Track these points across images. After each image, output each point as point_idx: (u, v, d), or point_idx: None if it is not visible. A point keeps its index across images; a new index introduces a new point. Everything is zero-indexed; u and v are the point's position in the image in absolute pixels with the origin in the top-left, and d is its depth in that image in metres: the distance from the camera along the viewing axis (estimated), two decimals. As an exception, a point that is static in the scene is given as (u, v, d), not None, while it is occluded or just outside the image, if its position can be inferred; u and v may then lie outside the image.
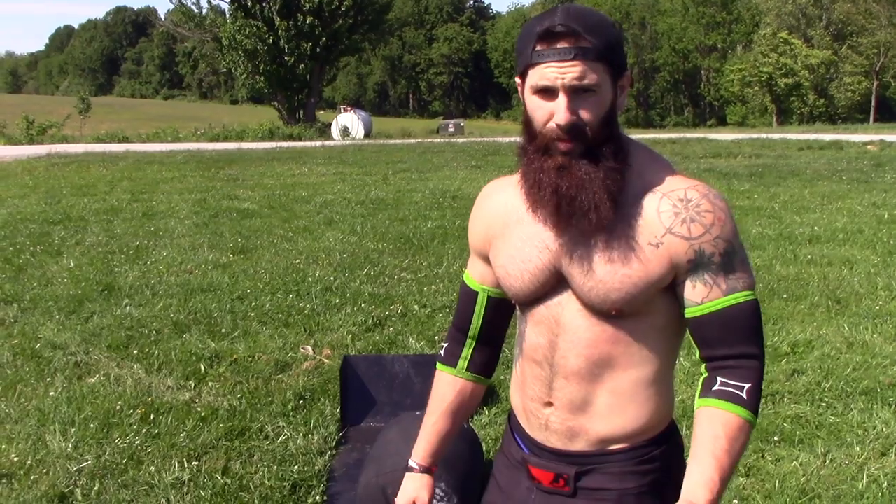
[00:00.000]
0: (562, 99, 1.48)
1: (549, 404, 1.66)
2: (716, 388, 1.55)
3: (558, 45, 1.47)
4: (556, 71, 1.47)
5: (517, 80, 1.60)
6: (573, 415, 1.63)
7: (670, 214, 1.53)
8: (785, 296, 6.49)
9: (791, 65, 53.93)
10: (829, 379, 4.75)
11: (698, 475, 1.49)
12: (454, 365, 1.90)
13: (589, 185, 1.50)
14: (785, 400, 4.50)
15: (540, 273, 1.61)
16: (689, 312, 1.56)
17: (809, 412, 4.33)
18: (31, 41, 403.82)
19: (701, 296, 1.54)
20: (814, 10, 59.28)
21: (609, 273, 1.54)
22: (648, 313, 1.58)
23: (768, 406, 4.42)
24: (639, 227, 1.54)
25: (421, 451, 1.91)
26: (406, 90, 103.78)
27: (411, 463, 1.91)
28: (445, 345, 1.94)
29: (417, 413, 3.80)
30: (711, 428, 1.52)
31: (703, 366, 1.60)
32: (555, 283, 1.62)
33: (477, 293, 1.84)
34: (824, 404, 4.44)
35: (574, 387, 1.62)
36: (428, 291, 6.76)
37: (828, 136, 24.54)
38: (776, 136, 25.73)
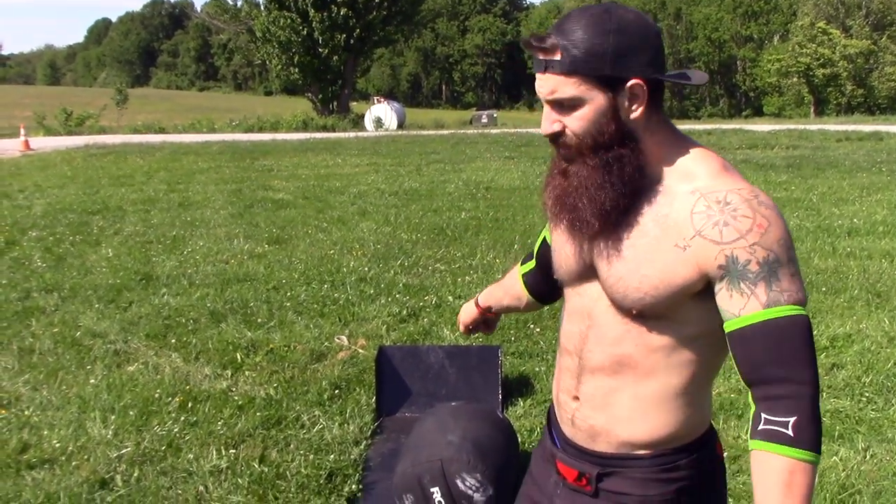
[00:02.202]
0: (545, 110, 1.51)
1: (576, 398, 1.64)
2: (761, 426, 1.40)
3: (538, 56, 1.48)
4: (537, 83, 1.50)
5: None
6: (595, 413, 1.60)
7: (703, 216, 1.44)
8: (824, 289, 6.40)
9: (829, 55, 53.09)
10: (869, 373, 4.69)
11: None
12: (521, 264, 2.07)
13: (580, 195, 1.50)
14: (824, 395, 4.45)
15: (574, 260, 1.61)
16: (728, 326, 1.44)
17: (849, 407, 4.28)
18: (69, 34, 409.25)
19: (738, 307, 1.41)
20: (852, 0, 58.26)
21: (629, 272, 1.49)
22: (677, 320, 1.50)
23: (807, 400, 4.36)
24: (669, 227, 1.47)
25: (482, 295, 2.18)
26: (439, 81, 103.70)
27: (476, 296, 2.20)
28: (530, 252, 2.07)
29: (453, 404, 3.81)
30: (762, 477, 1.40)
31: (750, 394, 1.46)
32: (588, 274, 1.60)
33: (542, 232, 1.96)
34: (865, 399, 4.38)
35: (598, 383, 1.59)
36: (462, 282, 6.76)
37: (867, 128, 24.16)
38: (814, 127, 25.37)
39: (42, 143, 22.72)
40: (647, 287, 1.47)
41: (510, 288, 2.09)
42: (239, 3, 39.62)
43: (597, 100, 1.46)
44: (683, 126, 27.34)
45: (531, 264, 2.01)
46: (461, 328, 2.22)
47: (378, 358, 4.41)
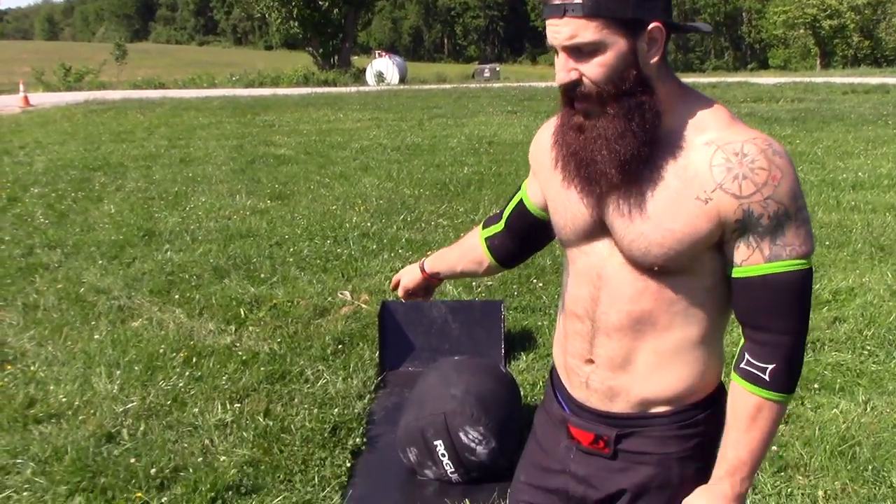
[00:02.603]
0: (560, 58, 1.43)
1: (590, 362, 1.61)
2: (742, 365, 1.49)
3: (552, 1, 1.41)
4: (551, 30, 1.42)
5: None
6: (614, 373, 1.58)
7: (723, 169, 1.42)
8: (827, 243, 6.39)
9: (836, 6, 52.39)
10: (871, 327, 4.69)
11: (721, 457, 1.52)
12: (483, 228, 2.01)
13: (599, 148, 1.45)
14: (826, 348, 4.46)
15: (581, 220, 1.56)
16: (732, 273, 1.48)
17: (851, 360, 4.29)
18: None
19: (742, 258, 1.45)
20: (862, -51, 57.36)
21: (652, 227, 1.46)
22: (695, 272, 1.50)
23: (808, 354, 4.38)
24: (689, 180, 1.44)
25: (429, 260, 2.12)
26: (441, 34, 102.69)
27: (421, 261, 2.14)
28: (491, 215, 2.03)
29: (456, 358, 3.83)
30: (733, 407, 1.51)
31: (741, 328, 1.53)
32: (598, 232, 1.56)
33: (519, 191, 1.92)
34: (866, 352, 4.40)
35: (615, 344, 1.56)
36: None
37: (874, 80, 23.94)
38: (819, 79, 25.15)
39: (42, 99, 22.60)
40: (672, 242, 1.45)
41: (468, 251, 2.03)
42: (238, -45, 39.08)
43: (618, 44, 1.40)
44: (688, 79, 27.08)
45: (497, 227, 1.95)
46: (401, 292, 2.14)
47: (381, 313, 4.42)
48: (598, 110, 1.45)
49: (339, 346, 4.58)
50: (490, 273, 2.06)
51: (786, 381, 1.47)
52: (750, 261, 1.44)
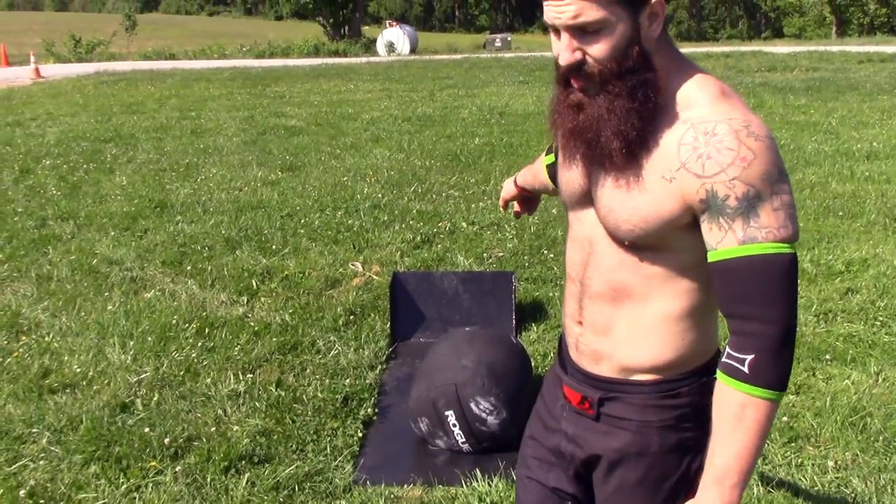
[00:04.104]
0: (563, 38, 1.40)
1: (580, 323, 1.64)
2: (723, 359, 1.42)
3: None
4: (553, 10, 1.39)
5: None
6: (597, 337, 1.61)
7: (689, 148, 1.38)
8: (840, 213, 6.36)
9: (853, -28, 51.66)
10: (884, 298, 4.68)
11: (708, 464, 1.44)
12: (546, 154, 2.09)
13: (602, 127, 1.42)
14: (838, 318, 4.45)
15: (575, 186, 1.59)
16: (709, 257, 1.41)
17: (863, 331, 4.28)
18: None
19: (716, 240, 1.39)
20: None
21: (619, 203, 1.47)
22: (671, 249, 1.48)
23: (820, 325, 4.37)
24: (657, 159, 1.43)
25: (520, 174, 2.22)
26: (452, 4, 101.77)
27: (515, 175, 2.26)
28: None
29: (467, 329, 3.84)
30: (717, 407, 1.43)
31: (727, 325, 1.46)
32: (588, 201, 1.58)
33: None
34: (878, 323, 4.38)
35: (598, 308, 1.59)
36: (476, 209, 6.74)
37: (890, 49, 23.61)
38: (835, 48, 24.84)
39: (53, 70, 22.59)
40: (637, 219, 1.45)
41: (538, 173, 2.12)
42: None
43: (621, 21, 1.37)
44: (701, 49, 26.92)
45: (552, 157, 2.01)
46: (501, 203, 2.30)
47: (392, 284, 4.43)
48: (598, 88, 1.42)
49: (351, 317, 4.60)
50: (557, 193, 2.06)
51: (770, 374, 1.37)
52: (724, 243, 1.37)
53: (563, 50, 1.41)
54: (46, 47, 29.50)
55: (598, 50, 1.39)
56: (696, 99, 1.43)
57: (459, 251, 5.66)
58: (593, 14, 1.36)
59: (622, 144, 1.42)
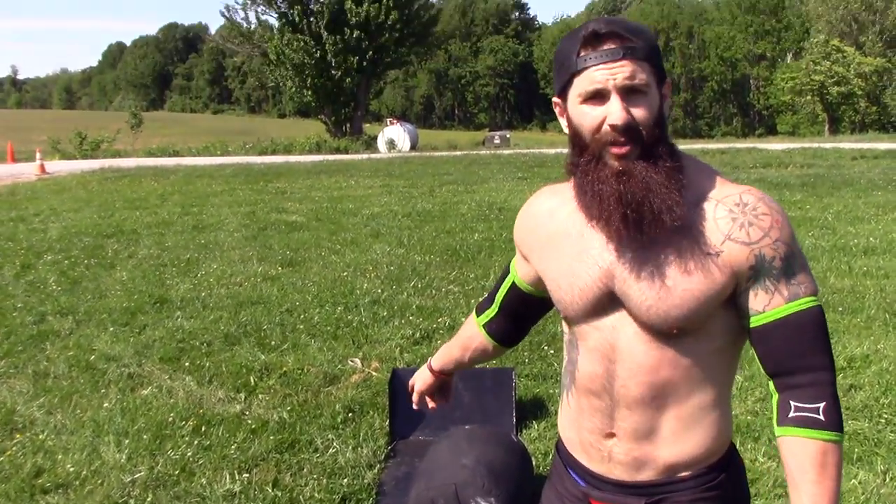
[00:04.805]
0: (615, 100, 1.44)
1: (611, 435, 1.59)
2: (792, 414, 1.47)
3: (605, 47, 1.44)
4: (606, 72, 1.43)
5: (555, 100, 1.57)
6: (639, 444, 1.56)
7: (727, 220, 1.47)
8: (840, 309, 6.35)
9: (843, 73, 52.93)
10: (888, 394, 4.63)
11: None
12: (478, 315, 2.02)
13: (655, 188, 1.44)
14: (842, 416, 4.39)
15: (590, 292, 1.54)
16: (753, 322, 1.48)
17: (868, 429, 4.23)
18: (84, 58, 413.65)
19: (763, 303, 1.47)
20: (866, 17, 58.14)
21: (669, 289, 1.46)
22: (707, 333, 1.51)
23: (825, 422, 4.32)
24: (696, 237, 1.47)
25: (435, 358, 2.10)
26: (452, 102, 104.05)
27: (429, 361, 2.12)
28: (482, 299, 2.04)
29: (467, 427, 3.79)
30: (797, 460, 1.46)
31: (771, 384, 1.52)
32: (607, 304, 1.54)
33: (509, 274, 1.91)
34: (883, 421, 4.33)
35: (638, 416, 1.55)
36: (476, 304, 6.73)
37: (882, 145, 24.04)
38: (828, 145, 25.27)
39: (58, 166, 22.91)
40: (690, 301, 1.46)
41: (470, 341, 2.03)
42: (252, 26, 39.91)
43: (656, 91, 1.48)
44: (697, 146, 27.39)
45: (491, 311, 1.96)
46: (415, 399, 2.13)
47: (391, 381, 4.39)
48: (639, 154, 1.46)
49: (349, 415, 4.54)
50: (498, 355, 2.08)
51: (838, 418, 1.47)
52: (772, 304, 1.47)
53: (618, 111, 1.44)
54: (52, 144, 29.98)
55: (643, 113, 1.45)
56: (702, 182, 1.52)
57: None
58: (643, 76, 1.45)
59: (679, 201, 1.45)
